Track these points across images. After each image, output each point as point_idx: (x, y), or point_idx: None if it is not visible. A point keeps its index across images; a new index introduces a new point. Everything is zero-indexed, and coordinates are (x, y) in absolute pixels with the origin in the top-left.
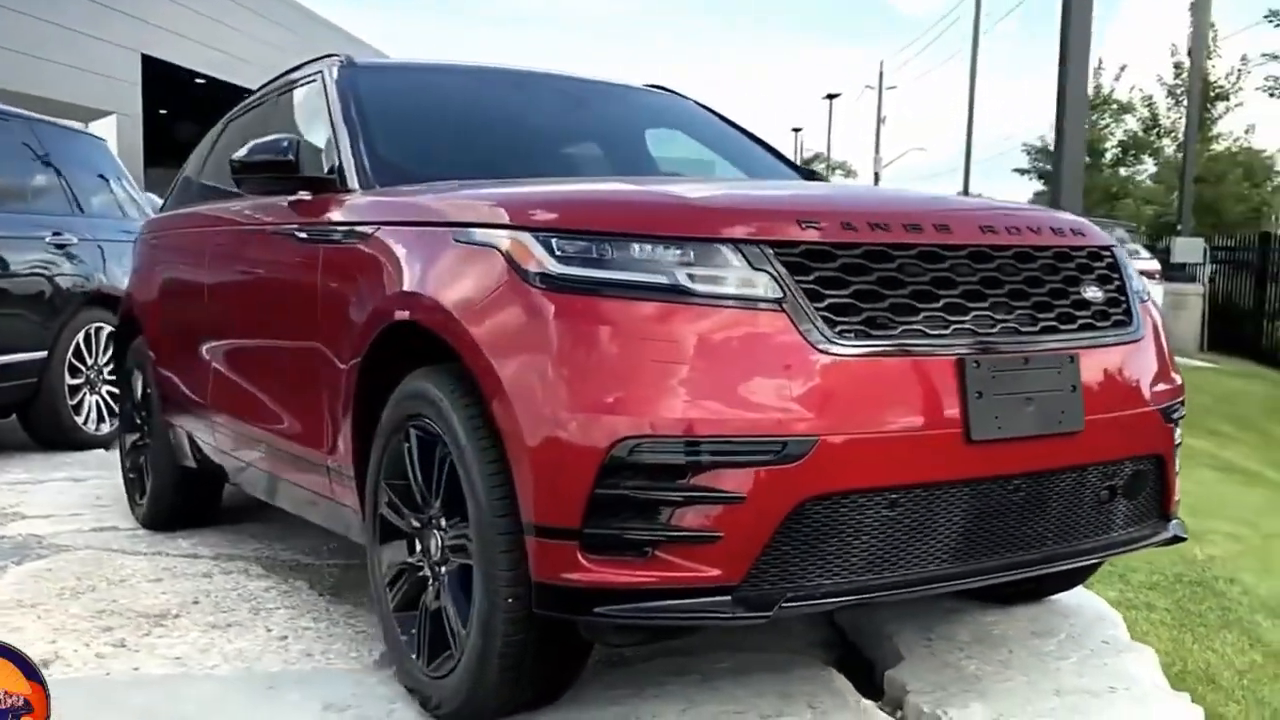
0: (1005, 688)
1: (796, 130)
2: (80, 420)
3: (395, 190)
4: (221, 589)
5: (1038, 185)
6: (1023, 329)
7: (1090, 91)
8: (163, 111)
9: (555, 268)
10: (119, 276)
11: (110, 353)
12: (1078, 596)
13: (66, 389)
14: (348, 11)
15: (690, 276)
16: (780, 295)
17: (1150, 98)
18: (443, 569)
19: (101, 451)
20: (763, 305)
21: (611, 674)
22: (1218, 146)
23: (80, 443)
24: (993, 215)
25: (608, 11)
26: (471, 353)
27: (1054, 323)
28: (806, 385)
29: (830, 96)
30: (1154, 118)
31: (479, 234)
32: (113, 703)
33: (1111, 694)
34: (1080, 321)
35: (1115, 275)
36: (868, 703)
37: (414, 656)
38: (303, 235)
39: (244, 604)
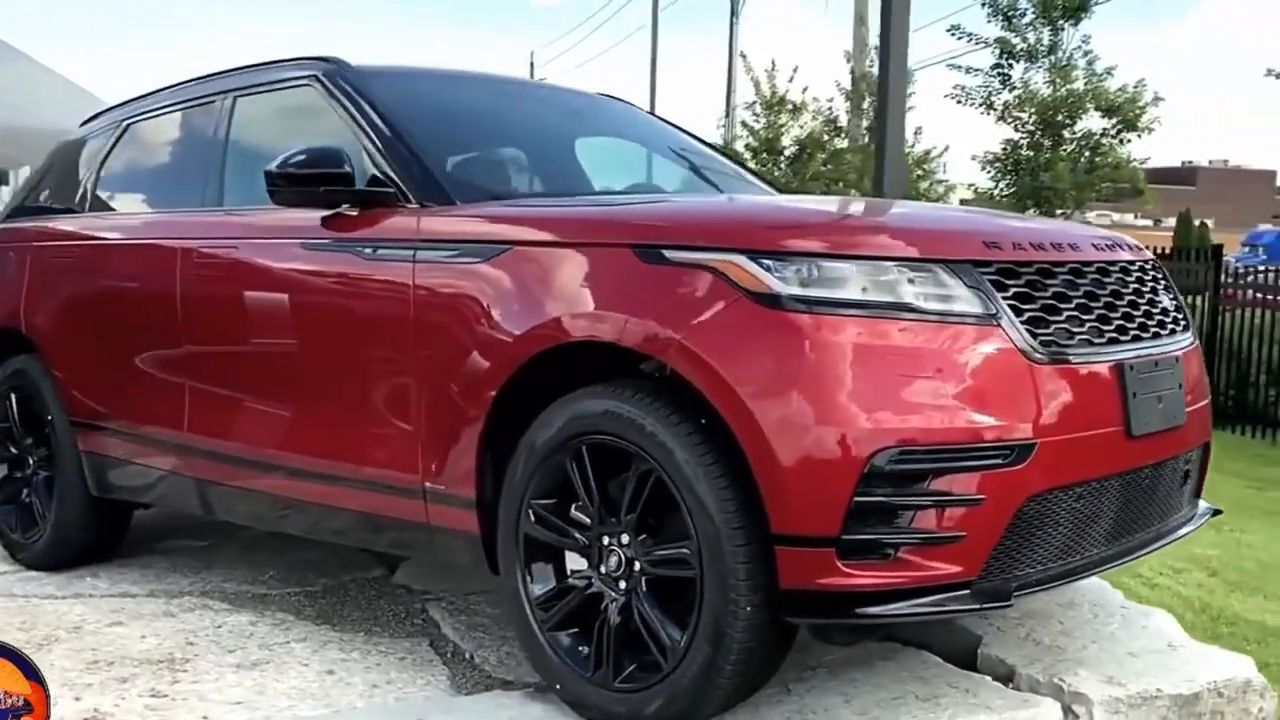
0: (1088, 654)
1: None
2: None
3: (513, 205)
4: (203, 628)
5: None
6: (1143, 335)
7: (767, 92)
8: None
9: (781, 288)
10: None
11: None
12: None
13: None
14: None
15: (916, 295)
16: (994, 311)
17: (831, 100)
18: (623, 584)
19: None
20: (981, 320)
21: None
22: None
23: None
24: (1088, 233)
25: None
26: (701, 373)
27: (1157, 329)
28: (1025, 393)
29: None
30: (833, 120)
31: (679, 255)
32: None
33: (1173, 650)
34: (1169, 327)
35: (1169, 285)
36: (983, 677)
37: (588, 674)
38: (374, 251)
39: (247, 641)
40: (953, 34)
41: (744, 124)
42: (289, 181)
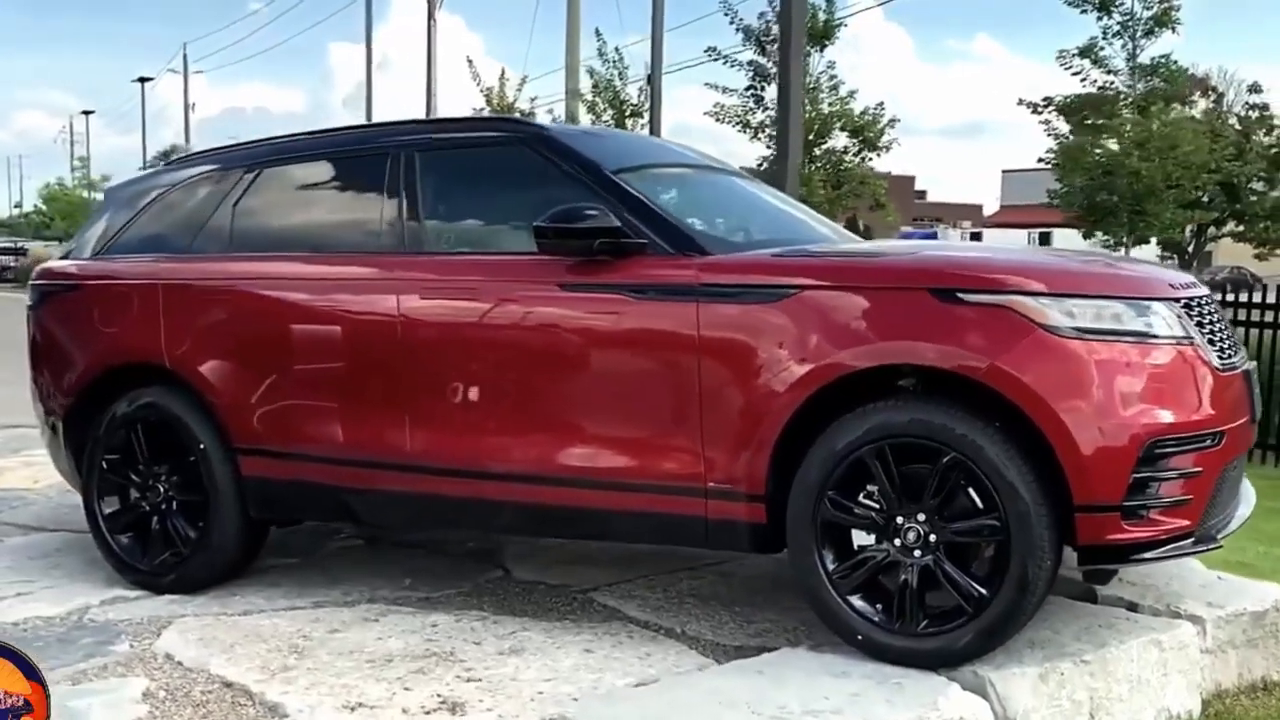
0: (1174, 589)
1: (87, 112)
2: None
3: (786, 254)
4: (421, 627)
5: None
6: (1238, 349)
7: (496, 100)
8: None
9: (1064, 322)
10: None
11: None
12: None
13: None
14: None
15: (1151, 325)
16: (1192, 335)
17: (576, 115)
18: (918, 552)
19: None
20: (1185, 342)
21: None
22: None
23: None
24: (1191, 275)
25: None
26: (1013, 387)
27: (1237, 344)
28: (1216, 393)
29: (143, 80)
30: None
31: (974, 297)
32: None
33: (1223, 582)
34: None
35: None
36: (1123, 610)
37: (893, 625)
38: (646, 294)
39: (480, 635)
40: (710, 55)
41: None
42: (559, 234)
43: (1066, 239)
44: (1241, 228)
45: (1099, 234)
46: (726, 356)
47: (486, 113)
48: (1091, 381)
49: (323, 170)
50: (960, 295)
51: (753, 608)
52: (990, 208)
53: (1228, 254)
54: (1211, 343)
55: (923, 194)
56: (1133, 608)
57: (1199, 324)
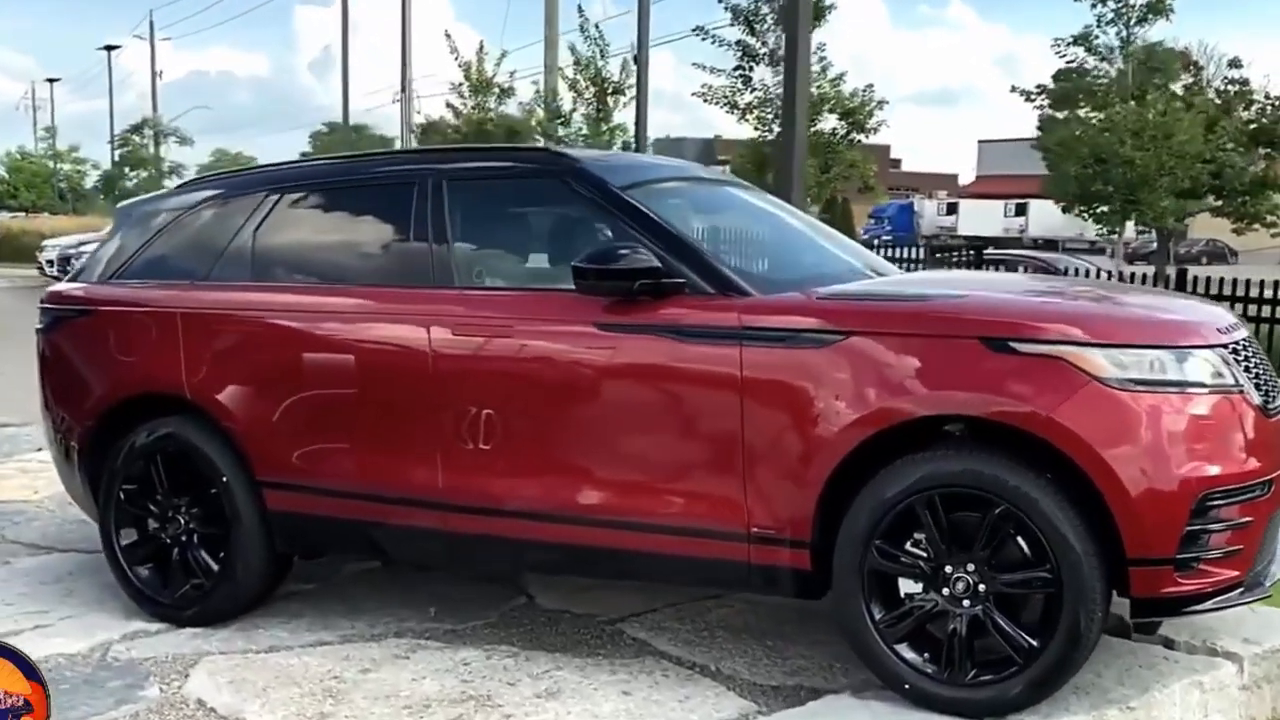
0: (1207, 624)
1: (53, 80)
2: None
3: (830, 296)
4: (452, 666)
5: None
6: (1278, 391)
7: (475, 75)
8: None
9: (1117, 373)
10: None
11: None
12: None
13: None
14: None
15: (1201, 374)
16: (1240, 384)
17: (556, 91)
18: (967, 602)
19: None
20: (1234, 390)
21: None
22: (623, 136)
23: None
24: (1223, 311)
25: None
26: (1066, 439)
27: (1277, 386)
28: (1264, 441)
29: (109, 48)
30: (557, 110)
31: (1026, 346)
32: None
33: (1255, 613)
34: None
35: None
36: (1161, 648)
37: (943, 674)
38: (686, 336)
39: (513, 675)
40: (697, 34)
41: (448, 105)
42: (599, 275)
43: (1043, 210)
44: (1220, 202)
45: (1087, 219)
46: (771, 401)
47: (465, 89)
48: (1145, 434)
49: (347, 197)
50: (1012, 345)
51: (784, 640)
52: (966, 177)
53: (1204, 227)
54: (1257, 386)
55: (898, 163)
56: (1169, 644)
57: (1246, 368)
